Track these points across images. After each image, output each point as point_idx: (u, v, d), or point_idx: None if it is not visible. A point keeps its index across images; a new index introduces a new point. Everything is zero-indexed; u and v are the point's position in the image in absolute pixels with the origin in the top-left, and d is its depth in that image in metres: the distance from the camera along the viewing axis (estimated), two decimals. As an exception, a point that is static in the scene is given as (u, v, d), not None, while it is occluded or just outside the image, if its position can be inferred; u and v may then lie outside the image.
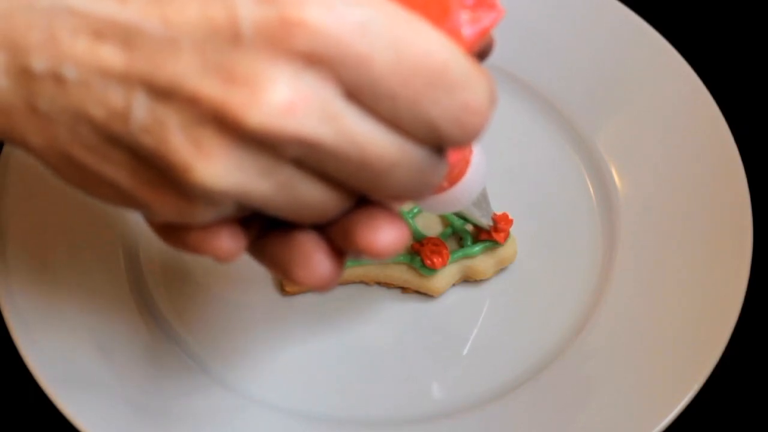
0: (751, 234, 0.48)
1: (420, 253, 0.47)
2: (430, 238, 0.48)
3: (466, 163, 0.38)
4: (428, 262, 0.47)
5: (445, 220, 0.49)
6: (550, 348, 0.47)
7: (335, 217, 0.29)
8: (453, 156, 0.36)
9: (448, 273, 0.48)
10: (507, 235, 0.48)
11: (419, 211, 0.49)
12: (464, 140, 0.28)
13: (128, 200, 0.29)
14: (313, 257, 0.30)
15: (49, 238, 0.48)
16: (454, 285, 0.49)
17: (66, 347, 0.45)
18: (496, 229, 0.48)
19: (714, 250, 0.48)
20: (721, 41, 0.59)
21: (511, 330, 0.48)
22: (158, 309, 0.48)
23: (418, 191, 0.29)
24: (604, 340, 0.47)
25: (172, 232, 0.29)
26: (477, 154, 0.39)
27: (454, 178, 0.38)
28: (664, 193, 0.50)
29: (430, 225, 0.49)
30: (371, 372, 0.47)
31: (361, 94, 0.26)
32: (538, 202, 0.51)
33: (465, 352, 0.47)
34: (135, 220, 0.49)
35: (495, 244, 0.48)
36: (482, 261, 0.48)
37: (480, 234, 0.48)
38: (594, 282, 0.49)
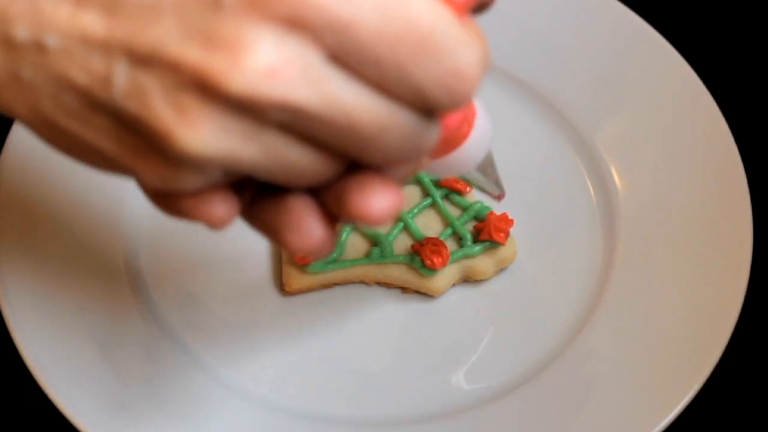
0: (751, 234, 0.48)
1: (420, 253, 0.47)
2: (430, 238, 0.48)
3: (469, 125, 0.37)
4: (428, 262, 0.47)
5: (445, 219, 0.49)
6: (550, 348, 0.47)
7: (327, 181, 0.29)
8: (455, 118, 0.36)
9: (448, 273, 0.48)
10: (507, 235, 0.48)
11: (419, 211, 0.49)
12: (452, 105, 0.27)
13: (115, 167, 0.29)
14: (305, 222, 0.29)
15: (49, 239, 0.48)
16: (454, 285, 0.49)
17: (66, 347, 0.45)
18: (495, 228, 0.48)
19: (714, 250, 0.48)
20: (721, 41, 0.59)
21: (511, 330, 0.48)
22: (158, 309, 0.48)
23: (409, 156, 0.28)
24: (604, 340, 0.47)
25: (165, 198, 0.29)
26: (481, 116, 0.37)
27: (457, 141, 0.37)
28: (664, 193, 0.50)
29: (430, 225, 0.49)
30: (371, 372, 0.47)
31: (346, 58, 0.26)
32: (538, 202, 0.51)
33: (465, 352, 0.47)
34: (135, 220, 0.49)
35: (495, 244, 0.48)
36: (482, 261, 0.48)
37: (480, 234, 0.48)
38: (594, 282, 0.49)
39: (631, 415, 0.44)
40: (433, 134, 0.29)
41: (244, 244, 0.50)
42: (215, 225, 0.29)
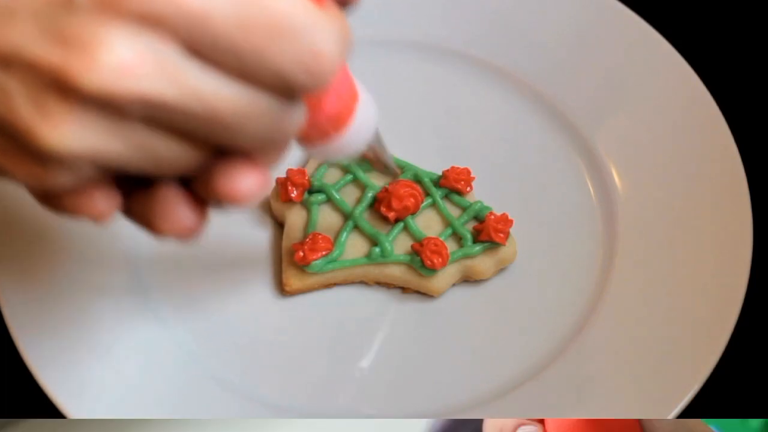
0: (751, 234, 0.48)
1: (420, 253, 0.47)
2: (430, 238, 0.48)
3: (350, 110, 0.37)
4: (428, 262, 0.47)
5: (445, 219, 0.49)
6: (550, 348, 0.47)
7: (197, 169, 0.30)
8: (332, 104, 0.36)
9: (448, 273, 0.48)
10: (507, 236, 0.48)
11: (419, 212, 0.49)
12: (313, 85, 0.28)
13: None
14: (175, 208, 0.30)
15: (49, 239, 0.48)
16: (454, 285, 0.49)
17: (66, 347, 0.45)
18: (494, 228, 0.48)
19: (714, 250, 0.48)
20: (721, 41, 0.59)
21: (511, 330, 0.48)
22: (158, 309, 0.48)
23: (275, 140, 0.29)
24: (604, 340, 0.47)
25: (47, 197, 0.30)
26: (364, 100, 0.38)
27: (340, 125, 0.37)
28: (664, 193, 0.50)
29: (430, 225, 0.49)
30: (371, 372, 0.47)
31: (203, 49, 0.27)
32: (538, 202, 0.51)
33: (465, 352, 0.47)
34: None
35: (495, 244, 0.48)
36: (482, 261, 0.48)
37: (480, 234, 0.48)
38: (594, 282, 0.49)
39: (631, 416, 0.44)
40: (297, 117, 0.29)
41: (244, 245, 0.50)
42: (98, 219, 0.30)
